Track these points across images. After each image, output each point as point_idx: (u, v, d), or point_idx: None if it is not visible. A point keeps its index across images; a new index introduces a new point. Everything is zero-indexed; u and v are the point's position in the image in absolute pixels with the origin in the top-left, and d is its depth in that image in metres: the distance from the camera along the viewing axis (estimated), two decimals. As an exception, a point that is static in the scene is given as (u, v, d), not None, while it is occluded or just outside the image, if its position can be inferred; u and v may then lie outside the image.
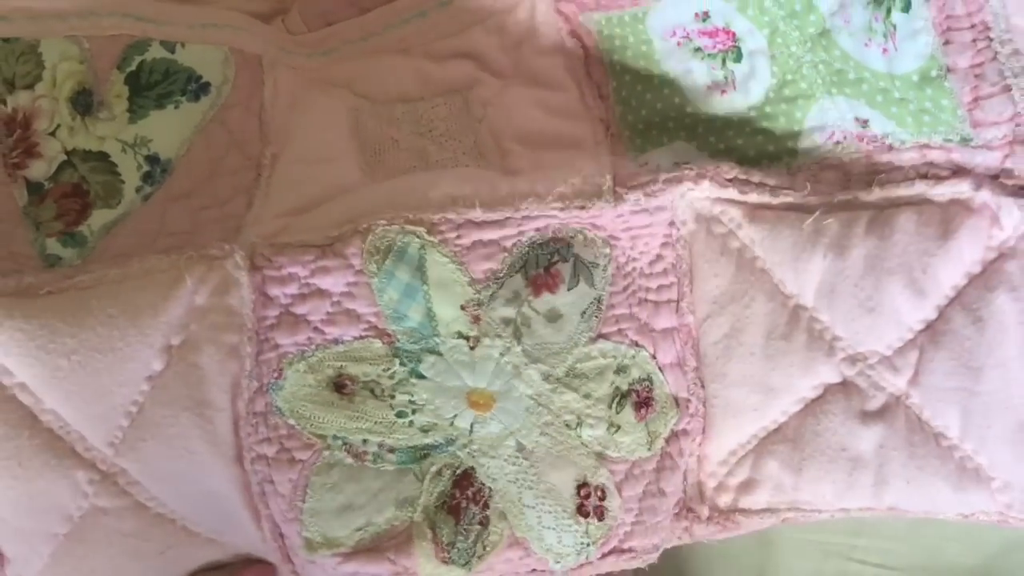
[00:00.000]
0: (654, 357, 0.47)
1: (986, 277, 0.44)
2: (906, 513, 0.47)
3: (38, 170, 0.46)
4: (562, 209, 0.45)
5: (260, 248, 0.45)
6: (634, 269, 0.47)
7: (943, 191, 0.44)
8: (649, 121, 0.50)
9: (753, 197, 0.46)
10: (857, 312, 0.45)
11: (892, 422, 0.46)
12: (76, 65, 0.47)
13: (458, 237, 0.45)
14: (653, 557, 0.48)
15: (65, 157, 0.47)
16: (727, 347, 0.47)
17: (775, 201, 0.46)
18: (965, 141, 0.44)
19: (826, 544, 0.54)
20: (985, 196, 0.43)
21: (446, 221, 0.45)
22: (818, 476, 0.46)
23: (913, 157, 0.45)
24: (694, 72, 0.49)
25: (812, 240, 0.45)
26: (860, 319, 0.45)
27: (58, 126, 0.47)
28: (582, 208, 0.46)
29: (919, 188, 0.44)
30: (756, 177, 0.46)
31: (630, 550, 0.48)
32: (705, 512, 0.48)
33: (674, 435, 0.48)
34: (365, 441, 0.45)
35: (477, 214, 0.45)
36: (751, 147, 0.48)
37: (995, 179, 0.44)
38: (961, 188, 0.44)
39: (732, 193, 0.46)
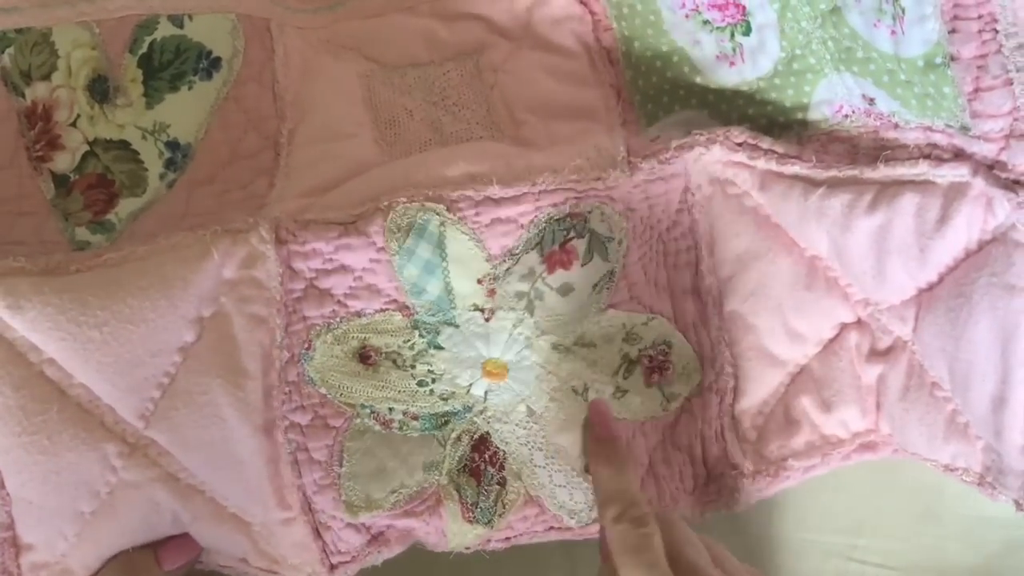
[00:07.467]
0: (674, 320, 0.49)
1: (979, 256, 0.45)
2: (904, 449, 0.49)
3: (62, 162, 0.47)
4: (578, 182, 0.46)
5: (284, 223, 0.45)
6: (653, 235, 0.49)
7: (944, 173, 0.45)
8: (660, 87, 0.50)
9: (761, 164, 0.47)
10: (863, 277, 0.47)
11: (895, 363, 0.48)
12: (89, 51, 0.48)
13: (477, 214, 0.46)
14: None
15: (88, 147, 0.48)
16: (755, 302, 0.49)
17: (784, 170, 0.47)
18: (964, 130, 0.45)
19: (826, 544, 0.54)
20: (980, 184, 0.44)
21: (465, 199, 0.45)
22: (844, 409, 0.49)
23: (918, 136, 0.46)
24: (702, 43, 0.49)
25: (816, 217, 0.47)
26: (867, 282, 0.47)
27: (78, 116, 0.48)
28: (598, 180, 0.47)
29: (922, 168, 0.45)
30: (765, 143, 0.47)
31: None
32: (750, 466, 0.49)
33: (698, 391, 0.50)
34: (391, 410, 0.48)
35: (495, 191, 0.46)
36: (762, 116, 0.49)
37: (990, 170, 0.44)
38: (961, 172, 0.44)
39: (742, 157, 0.47)
